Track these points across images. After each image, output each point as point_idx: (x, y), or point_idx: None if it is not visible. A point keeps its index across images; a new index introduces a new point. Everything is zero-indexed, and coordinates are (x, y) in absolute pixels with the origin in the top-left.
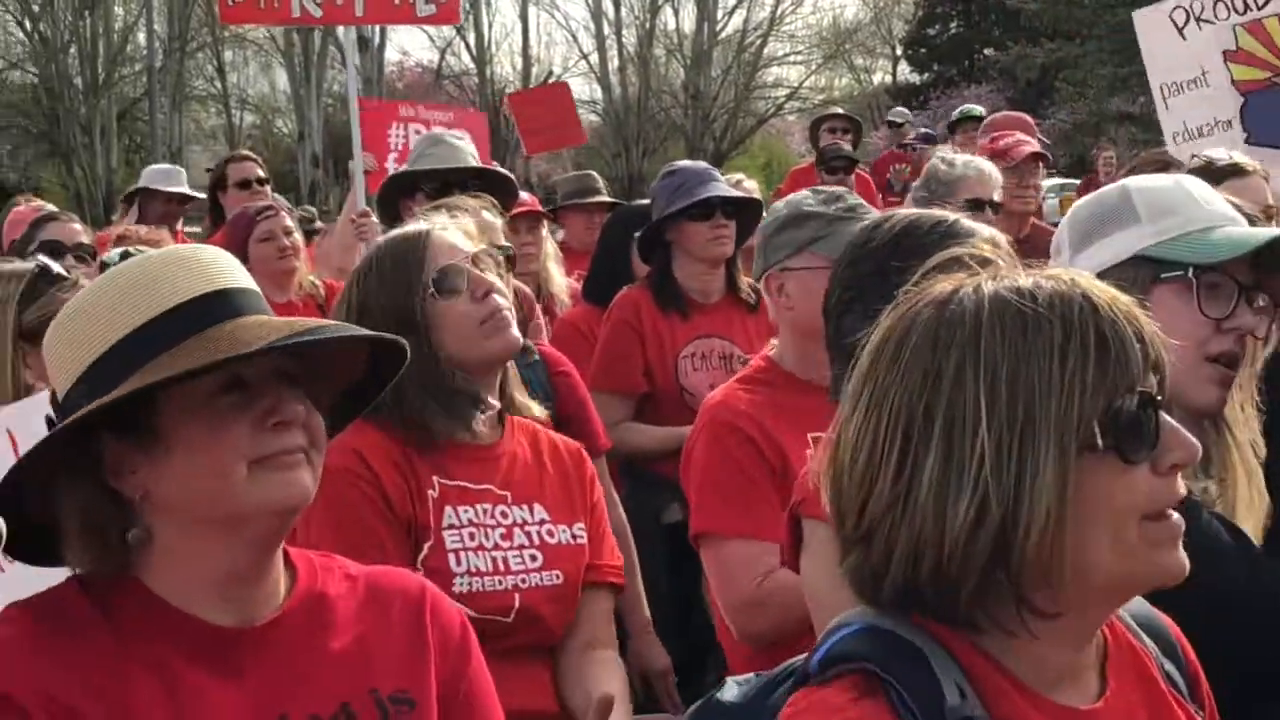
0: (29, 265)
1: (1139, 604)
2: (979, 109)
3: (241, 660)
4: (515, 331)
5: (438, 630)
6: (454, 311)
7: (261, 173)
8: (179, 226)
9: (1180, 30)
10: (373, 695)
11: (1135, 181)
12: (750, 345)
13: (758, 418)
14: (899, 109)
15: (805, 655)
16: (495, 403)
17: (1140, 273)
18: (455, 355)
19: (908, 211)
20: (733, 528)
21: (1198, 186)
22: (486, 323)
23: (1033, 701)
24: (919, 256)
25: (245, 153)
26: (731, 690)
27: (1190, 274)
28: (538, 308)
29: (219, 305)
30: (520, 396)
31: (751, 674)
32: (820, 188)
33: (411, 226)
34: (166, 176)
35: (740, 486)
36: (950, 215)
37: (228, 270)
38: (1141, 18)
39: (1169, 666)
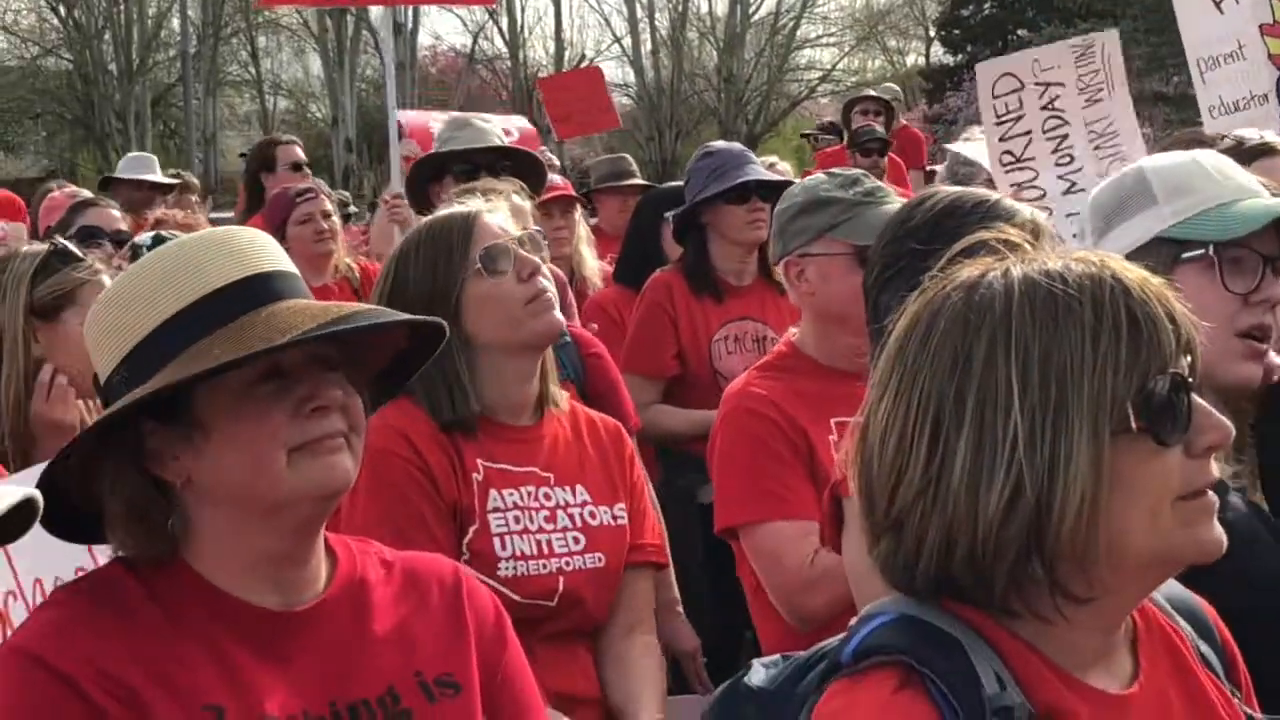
0: (45, 246)
1: (1173, 586)
2: None
3: (288, 643)
4: (559, 315)
5: (475, 615)
6: (499, 291)
7: (303, 156)
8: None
9: (1217, 4)
10: (417, 678)
11: (1151, 162)
12: (784, 327)
13: (779, 403)
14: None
15: (837, 639)
16: (533, 386)
17: (1162, 254)
18: (498, 336)
19: (950, 190)
20: (769, 512)
21: (1214, 161)
22: (532, 303)
23: (1070, 686)
24: (959, 234)
25: (290, 136)
26: (759, 674)
27: (1211, 251)
28: (569, 291)
29: (256, 289)
30: (553, 388)
31: (778, 656)
32: (837, 170)
33: (459, 207)
34: (139, 165)
35: (770, 470)
36: (993, 195)
37: (266, 253)
38: None
39: (1204, 648)
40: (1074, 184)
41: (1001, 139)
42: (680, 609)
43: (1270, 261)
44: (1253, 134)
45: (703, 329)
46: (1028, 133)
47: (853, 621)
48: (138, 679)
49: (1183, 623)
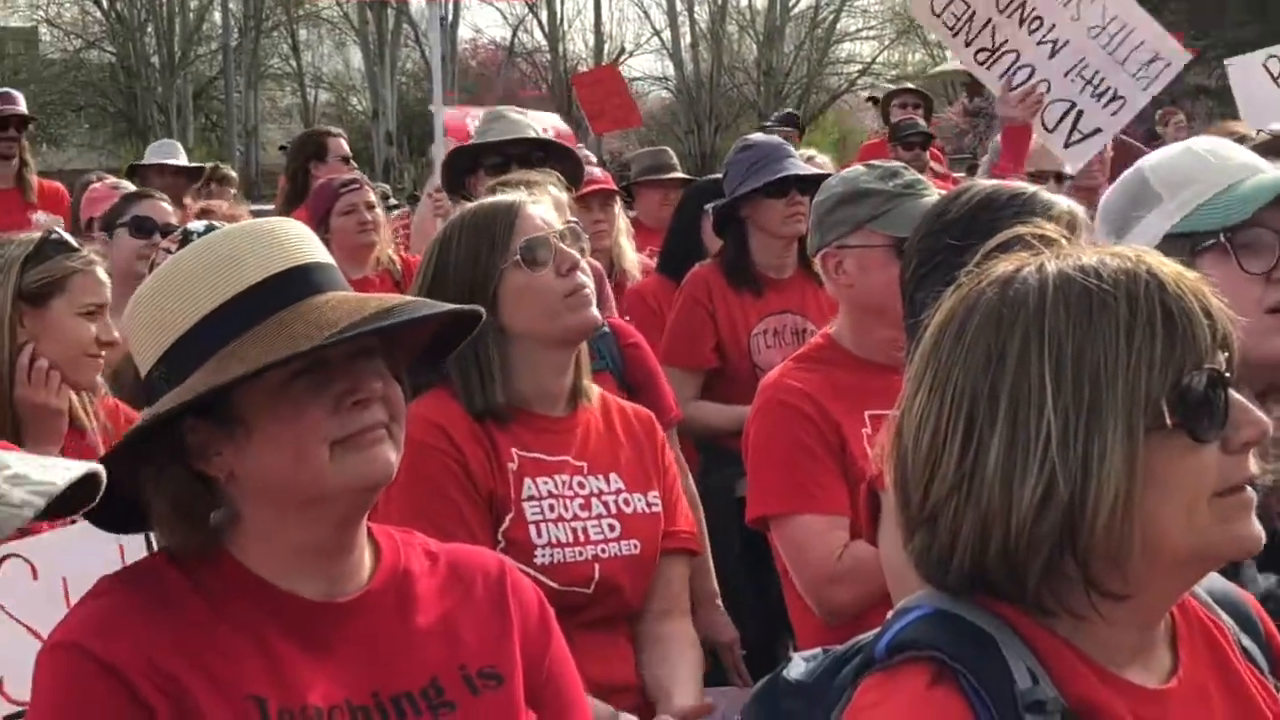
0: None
1: (1215, 580)
2: None
3: (331, 634)
4: (596, 310)
5: (519, 609)
6: (538, 283)
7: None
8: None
9: (1275, 79)
10: (461, 671)
11: (1148, 160)
12: (824, 320)
13: (814, 396)
14: None
15: (873, 633)
16: (568, 378)
17: (1178, 250)
18: (534, 328)
19: (987, 183)
20: (800, 505)
21: (1209, 146)
22: (570, 297)
23: (1106, 681)
24: (995, 229)
25: (335, 129)
26: (798, 667)
27: (1222, 238)
28: (608, 284)
29: (295, 283)
30: (586, 380)
31: (818, 650)
32: (876, 162)
33: (502, 197)
34: (164, 151)
35: (802, 463)
36: (1029, 188)
37: (303, 245)
38: (1235, 67)
39: (1247, 642)
40: (1055, 43)
41: (967, 43)
42: (719, 601)
43: None
44: None
45: (741, 323)
46: (988, 21)
47: (888, 616)
48: (182, 670)
49: (1224, 616)
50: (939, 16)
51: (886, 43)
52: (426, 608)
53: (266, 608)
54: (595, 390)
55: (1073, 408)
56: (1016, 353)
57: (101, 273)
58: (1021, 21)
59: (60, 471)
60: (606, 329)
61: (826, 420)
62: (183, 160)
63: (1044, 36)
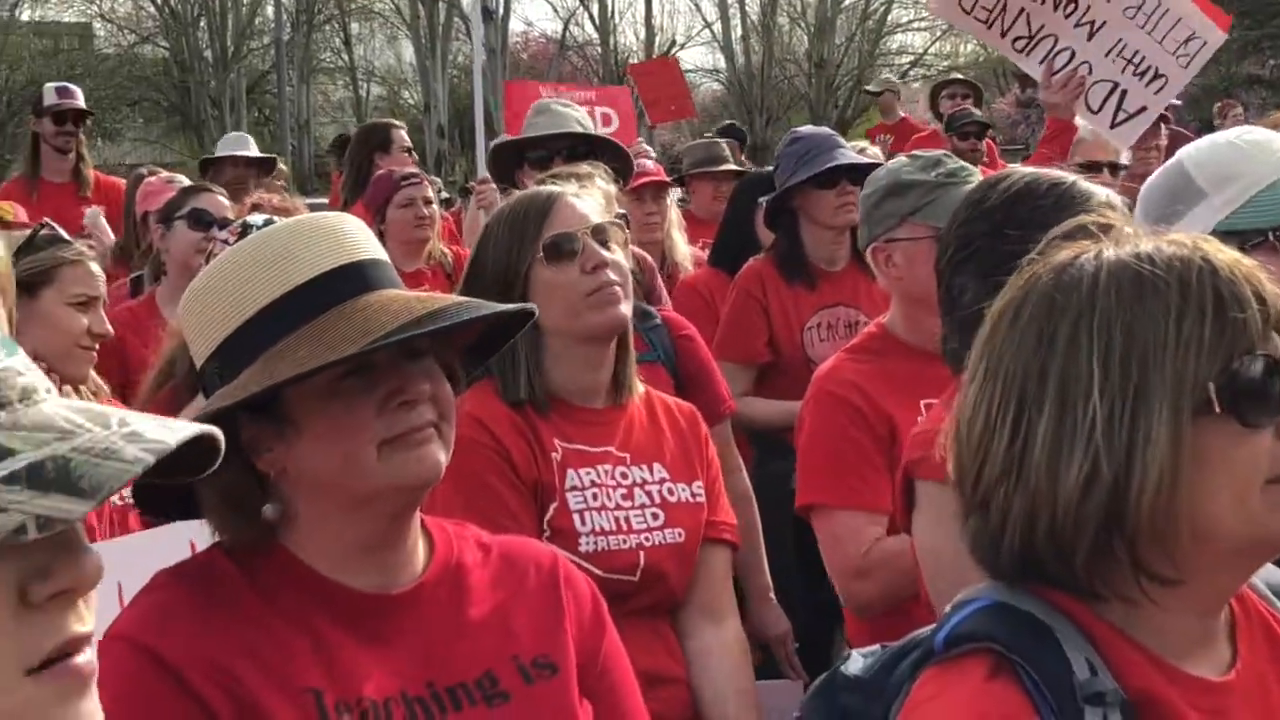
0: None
1: (1274, 572)
2: None
3: (385, 626)
4: (623, 309)
5: (572, 599)
6: (563, 279)
7: None
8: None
9: None
10: (514, 661)
11: (1189, 154)
12: (876, 311)
13: (865, 388)
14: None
15: (930, 627)
16: (605, 372)
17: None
18: (559, 324)
19: (1026, 171)
20: (840, 498)
21: (1250, 138)
22: (593, 295)
23: (1164, 672)
24: (1033, 218)
25: (397, 121)
26: (857, 663)
27: (1271, 236)
28: (659, 276)
29: (347, 280)
30: (630, 373)
31: (877, 646)
32: (918, 152)
33: (544, 188)
34: (237, 143)
35: (848, 457)
36: (1068, 177)
37: (358, 241)
38: None
39: None
40: (1092, 24)
41: (1004, 34)
42: (771, 595)
43: None
44: None
45: (795, 316)
46: (1021, 10)
47: (946, 609)
48: (239, 664)
49: None
50: (969, 13)
51: (938, 34)
52: (480, 599)
53: (320, 601)
54: (640, 385)
55: (1119, 390)
56: (1067, 336)
57: (94, 266)
58: (1056, 6)
59: (174, 432)
60: (659, 321)
61: (877, 412)
62: (254, 151)
63: (1080, 19)
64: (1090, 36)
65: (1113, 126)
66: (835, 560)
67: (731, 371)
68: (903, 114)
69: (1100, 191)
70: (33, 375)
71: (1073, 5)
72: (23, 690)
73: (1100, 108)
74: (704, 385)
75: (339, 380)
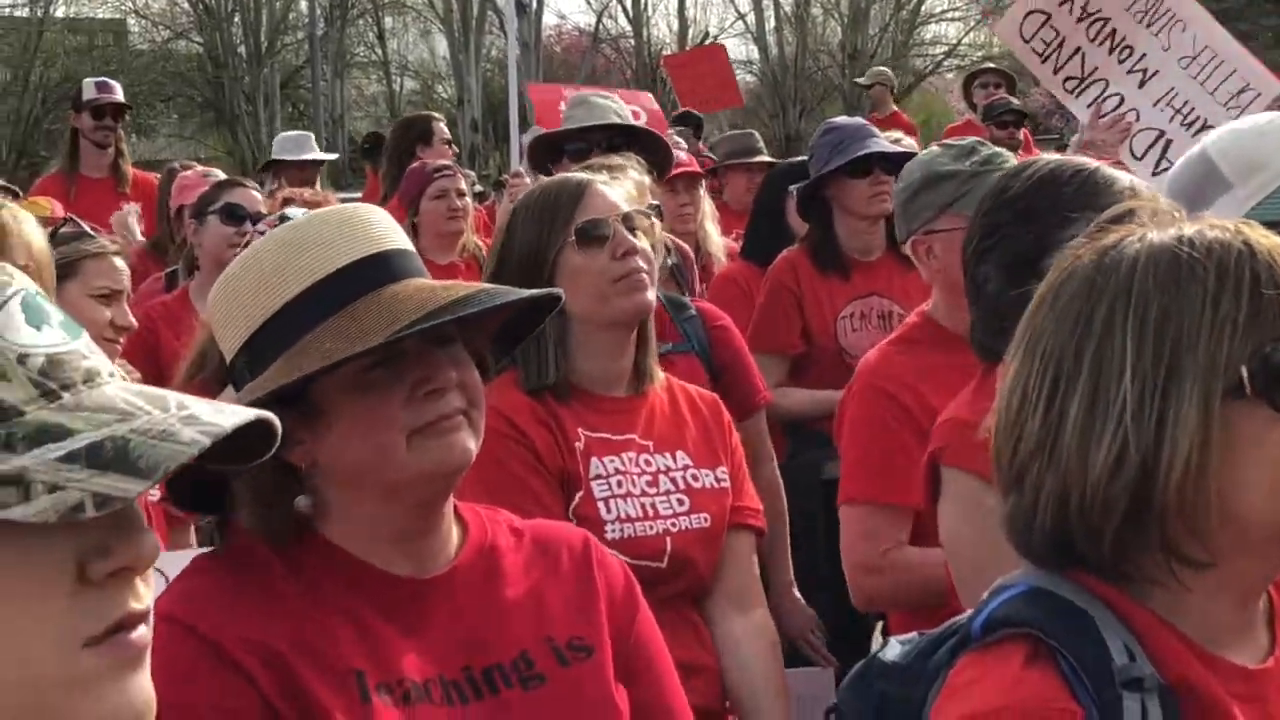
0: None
1: None
2: None
3: (422, 609)
4: (649, 295)
5: (605, 581)
6: (593, 265)
7: None
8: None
9: None
10: (549, 643)
11: (1214, 143)
12: (910, 302)
13: (911, 381)
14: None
15: (968, 614)
16: (627, 360)
17: None
18: (586, 309)
19: (1049, 159)
20: (870, 493)
21: (1275, 125)
22: (621, 281)
23: (1203, 659)
24: (1056, 205)
25: (436, 114)
26: (894, 649)
27: None
28: (694, 267)
29: (372, 270)
30: (651, 362)
31: (915, 634)
32: (950, 141)
33: (574, 175)
34: (298, 145)
35: (887, 452)
36: (1091, 163)
37: (382, 230)
38: None
39: None
40: (1145, 71)
41: (1056, 70)
42: (795, 589)
43: None
44: None
45: (828, 306)
46: (1077, 50)
47: (984, 594)
48: (281, 644)
49: None
50: (1028, 43)
51: (972, 24)
52: (513, 582)
53: (358, 585)
54: (660, 374)
55: (1151, 371)
56: (1103, 317)
57: (119, 261)
58: (1112, 49)
59: (230, 416)
60: (694, 312)
61: (922, 405)
62: (316, 153)
63: (1134, 65)
64: (1142, 84)
65: (1154, 174)
66: (851, 553)
67: (766, 363)
68: (894, 109)
69: (1124, 177)
70: (96, 359)
71: (1128, 51)
72: (80, 662)
73: (1144, 155)
74: (739, 376)
75: (367, 371)
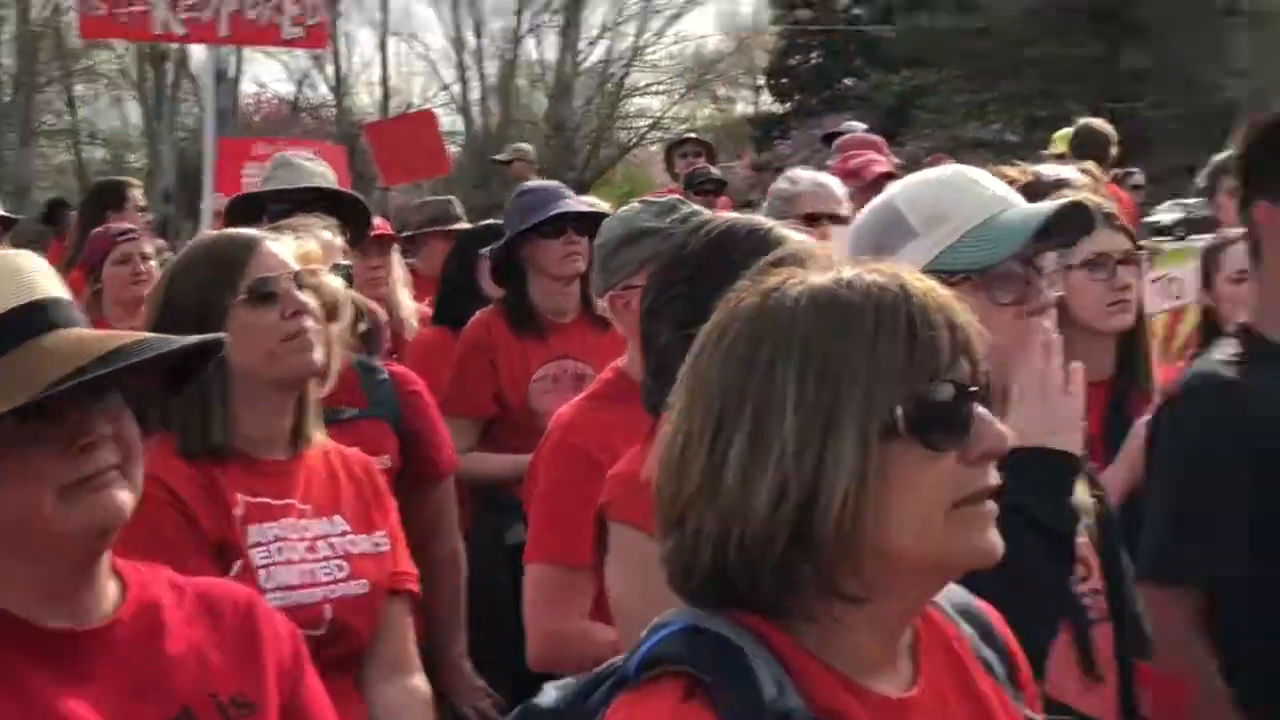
0: None
1: (957, 591)
2: (861, 125)
3: (80, 665)
4: (317, 355)
5: (271, 638)
6: (262, 322)
7: None
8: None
9: None
10: (213, 699)
11: (900, 192)
12: (604, 363)
13: (603, 437)
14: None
15: (625, 655)
16: (287, 421)
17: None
18: (254, 368)
19: (727, 216)
20: (556, 553)
21: (963, 177)
22: (289, 340)
23: (850, 690)
24: (730, 264)
25: (134, 179)
26: (550, 695)
27: (975, 276)
28: (387, 330)
29: (24, 321)
30: (310, 423)
31: (570, 678)
32: (650, 198)
33: (244, 231)
34: None
35: (576, 510)
36: (766, 222)
37: (34, 279)
38: None
39: (986, 653)
40: None
41: None
42: (465, 661)
43: (1031, 265)
44: (1050, 171)
45: (521, 369)
46: None
47: (641, 634)
48: None
49: (965, 627)
50: None
51: (676, 97)
52: (175, 637)
53: (13, 641)
54: (318, 435)
55: (812, 410)
56: (766, 357)
57: None
58: None
59: None
60: (385, 375)
61: (614, 460)
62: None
63: None
64: None
65: None
66: (534, 614)
67: (457, 426)
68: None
69: (798, 237)
70: None
71: None
72: None
73: None
74: (428, 442)
75: (19, 426)
